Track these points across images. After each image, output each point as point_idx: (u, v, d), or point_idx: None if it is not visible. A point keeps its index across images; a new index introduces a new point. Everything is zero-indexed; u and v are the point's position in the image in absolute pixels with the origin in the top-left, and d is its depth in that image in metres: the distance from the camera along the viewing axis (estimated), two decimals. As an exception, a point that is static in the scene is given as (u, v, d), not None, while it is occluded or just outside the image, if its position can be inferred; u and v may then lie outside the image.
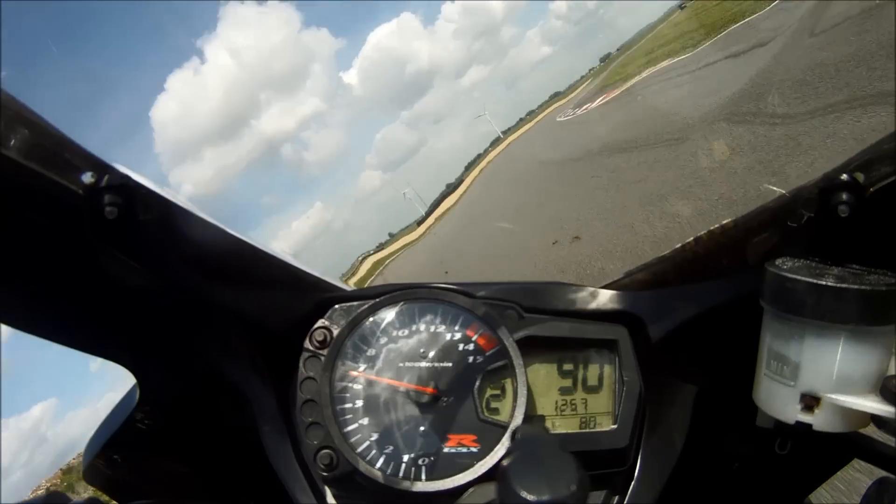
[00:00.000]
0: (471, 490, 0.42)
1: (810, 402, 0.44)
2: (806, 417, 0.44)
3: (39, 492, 0.54)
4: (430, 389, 0.58)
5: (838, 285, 0.42)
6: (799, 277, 0.43)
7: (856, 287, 0.41)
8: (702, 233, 0.57)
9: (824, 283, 0.42)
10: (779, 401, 0.46)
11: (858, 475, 1.39)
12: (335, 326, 0.60)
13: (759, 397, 0.49)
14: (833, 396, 0.43)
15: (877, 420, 0.43)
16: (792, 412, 0.45)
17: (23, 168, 0.42)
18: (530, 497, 0.29)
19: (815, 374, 0.44)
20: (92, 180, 0.46)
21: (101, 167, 0.46)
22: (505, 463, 0.32)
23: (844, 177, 0.47)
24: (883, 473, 0.46)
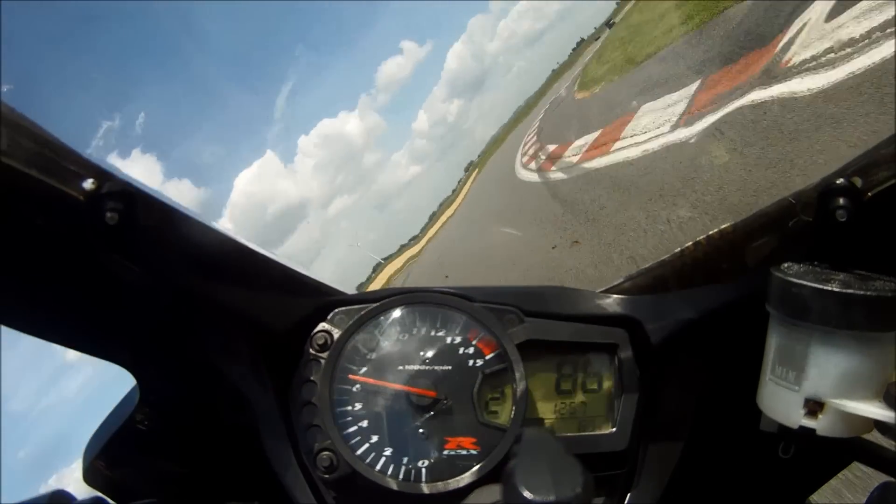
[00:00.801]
0: (475, 491, 0.42)
1: (814, 407, 0.44)
2: (810, 422, 0.44)
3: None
4: (430, 392, 0.58)
5: (844, 291, 0.42)
6: (805, 283, 0.43)
7: (861, 293, 0.41)
8: (701, 237, 0.57)
9: (830, 288, 0.42)
10: (783, 405, 0.46)
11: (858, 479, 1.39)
12: (336, 330, 0.60)
13: (762, 401, 0.49)
14: (837, 402, 0.43)
15: (880, 425, 0.43)
16: (796, 417, 0.45)
17: (24, 176, 0.43)
18: (535, 498, 0.29)
19: (820, 379, 0.44)
20: (93, 187, 0.46)
21: (102, 174, 0.46)
22: (509, 464, 0.32)
23: (842, 181, 0.47)
24: (885, 478, 0.46)
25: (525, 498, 0.29)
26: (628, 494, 0.60)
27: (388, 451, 0.57)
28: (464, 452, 0.57)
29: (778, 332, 0.47)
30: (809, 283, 0.43)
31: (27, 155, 0.43)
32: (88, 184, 0.46)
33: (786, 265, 0.47)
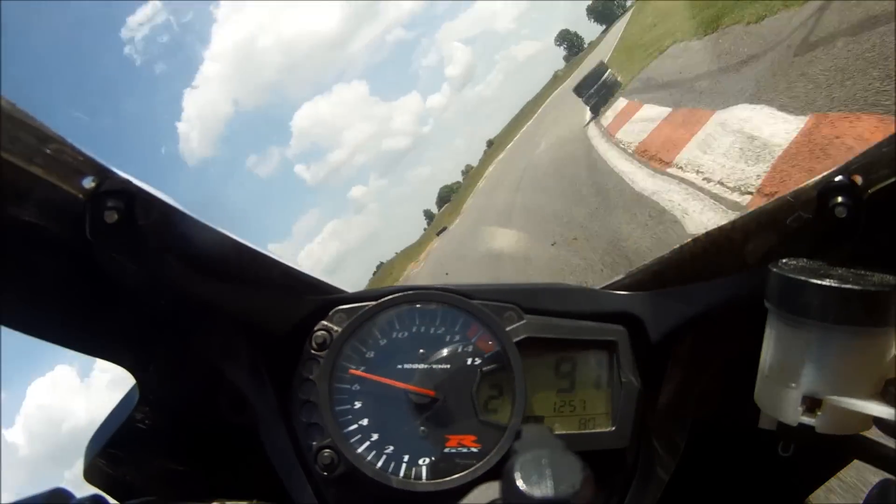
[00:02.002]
0: (475, 489, 0.42)
1: (812, 404, 0.44)
2: (808, 419, 0.44)
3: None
4: (429, 391, 0.58)
5: (842, 286, 0.41)
6: (803, 279, 0.43)
7: (860, 288, 0.41)
8: (700, 234, 0.57)
9: (828, 284, 0.42)
10: (781, 403, 0.46)
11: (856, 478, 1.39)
12: (335, 328, 0.60)
13: (760, 399, 0.49)
14: (835, 399, 0.43)
15: (879, 422, 0.43)
16: (794, 414, 0.45)
17: (24, 172, 0.43)
18: (534, 494, 0.29)
19: (818, 376, 0.44)
20: (93, 185, 0.46)
21: (102, 172, 0.46)
22: (509, 461, 0.32)
23: (842, 179, 0.47)
24: (884, 475, 0.46)
25: (524, 494, 0.29)
26: (628, 493, 0.61)
27: (388, 449, 0.57)
28: (464, 450, 0.57)
29: (775, 328, 0.47)
30: (807, 279, 0.43)
31: (27, 151, 0.43)
32: (88, 182, 0.46)
33: (784, 261, 0.47)
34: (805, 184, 0.49)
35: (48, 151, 0.43)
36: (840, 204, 0.47)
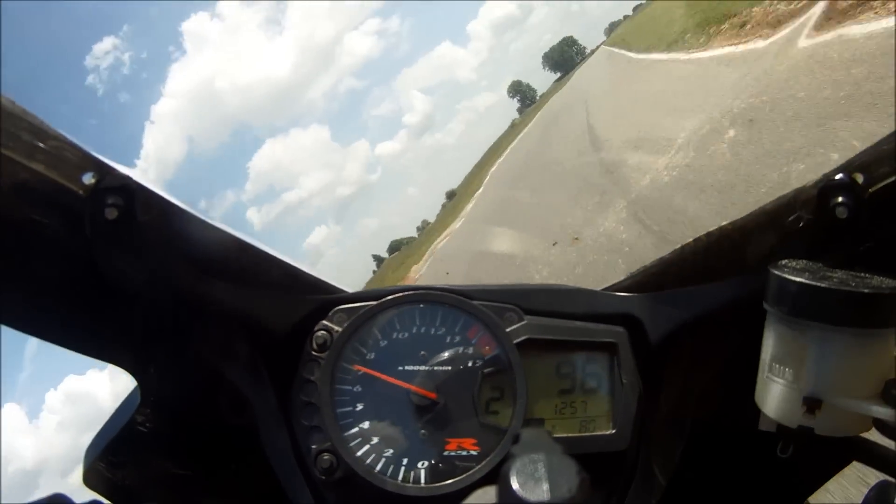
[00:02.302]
0: (473, 493, 0.42)
1: (812, 405, 0.44)
2: (808, 421, 0.44)
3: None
4: (429, 393, 0.58)
5: (842, 288, 0.41)
6: (802, 280, 0.43)
7: (859, 290, 0.41)
8: (701, 235, 0.57)
9: (827, 285, 0.42)
10: (781, 404, 0.46)
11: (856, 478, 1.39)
12: (336, 328, 0.60)
13: (760, 400, 0.49)
14: (835, 400, 0.43)
15: (878, 424, 0.43)
16: (794, 416, 0.45)
17: (23, 168, 0.42)
18: (530, 499, 0.29)
19: (818, 377, 0.44)
20: (93, 181, 0.46)
21: (102, 168, 0.46)
22: (505, 465, 0.32)
23: (843, 178, 0.47)
24: (882, 477, 0.46)
25: (520, 498, 0.29)
26: (628, 494, 0.61)
27: (388, 453, 0.57)
28: (464, 453, 0.57)
29: (775, 329, 0.47)
30: (807, 281, 0.43)
31: (27, 147, 0.42)
32: (88, 178, 0.46)
33: (783, 262, 0.47)
34: (805, 183, 0.49)
35: (47, 147, 0.43)
36: (840, 203, 0.47)
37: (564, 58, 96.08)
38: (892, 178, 0.45)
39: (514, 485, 0.30)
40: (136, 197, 0.47)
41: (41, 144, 0.43)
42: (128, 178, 0.47)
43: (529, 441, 0.40)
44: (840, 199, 0.47)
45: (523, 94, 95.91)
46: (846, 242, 0.48)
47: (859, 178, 0.47)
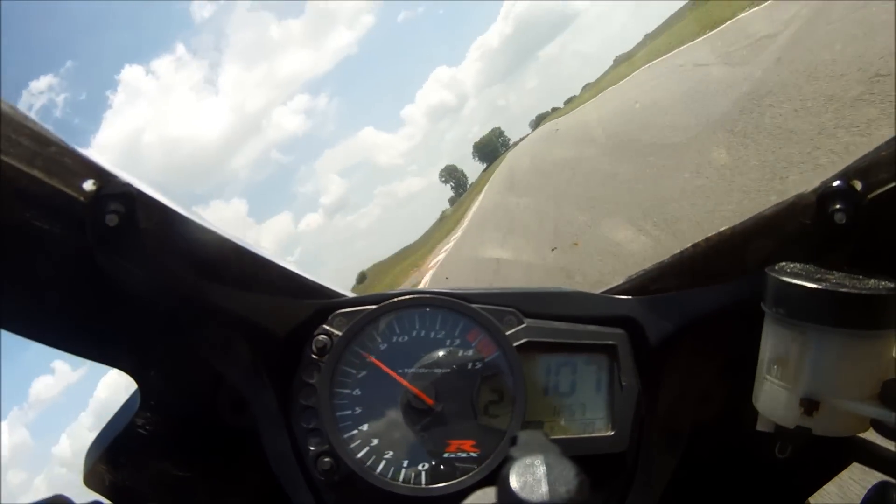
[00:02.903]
0: (472, 495, 0.42)
1: (810, 406, 0.44)
2: (806, 422, 0.44)
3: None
4: (429, 398, 0.58)
5: (838, 290, 0.42)
6: (800, 282, 0.44)
7: (856, 291, 0.42)
8: (700, 240, 0.57)
9: (824, 287, 0.42)
10: (779, 405, 0.46)
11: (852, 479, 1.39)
12: (336, 332, 0.60)
13: (759, 401, 0.49)
14: (833, 400, 0.43)
15: (876, 424, 0.44)
16: (792, 416, 0.45)
17: (25, 175, 0.43)
18: (529, 500, 0.29)
19: (816, 378, 0.44)
20: (93, 188, 0.46)
21: (103, 175, 0.46)
22: (504, 467, 0.32)
23: (842, 184, 0.47)
24: (881, 477, 0.46)
25: (520, 499, 0.29)
26: (627, 496, 0.60)
27: (388, 455, 0.57)
28: (464, 455, 0.57)
29: (773, 331, 0.47)
30: (804, 283, 0.43)
31: (28, 154, 0.42)
32: (89, 184, 0.46)
33: (781, 265, 0.47)
34: (805, 189, 0.49)
35: (48, 154, 0.43)
36: (839, 210, 0.47)
37: (491, 147, 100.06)
38: (891, 185, 0.46)
39: (514, 486, 0.30)
40: (137, 204, 0.47)
41: (42, 151, 0.43)
42: (129, 186, 0.47)
43: (527, 442, 0.40)
44: (839, 205, 0.47)
45: (457, 180, 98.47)
46: (845, 247, 0.48)
47: (858, 185, 0.47)
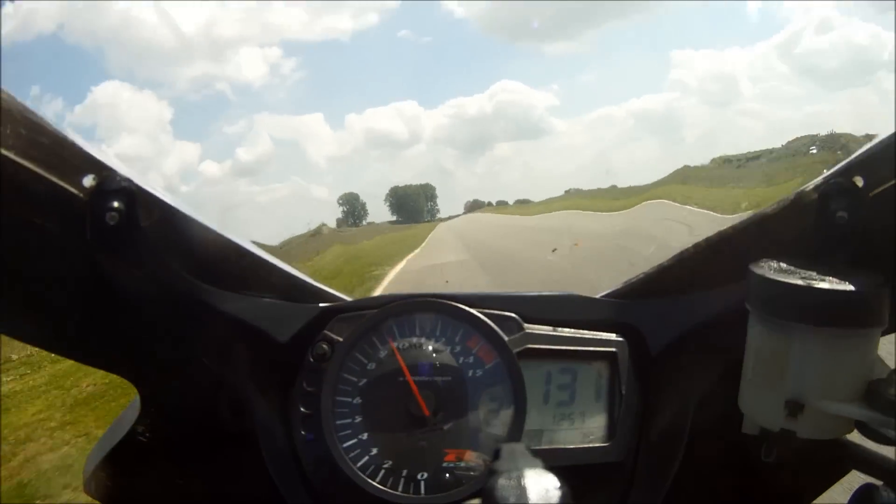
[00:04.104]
0: None
1: (794, 408, 0.43)
2: (790, 424, 0.44)
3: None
4: (429, 406, 0.58)
5: (821, 288, 0.41)
6: (782, 279, 0.43)
7: (839, 289, 0.41)
8: (700, 241, 0.57)
9: (807, 285, 0.41)
10: (763, 407, 0.46)
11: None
12: (337, 339, 0.60)
13: (743, 403, 0.48)
14: (818, 403, 0.43)
15: (860, 426, 0.43)
16: (776, 419, 0.44)
17: (23, 169, 0.41)
18: None
19: (800, 379, 0.43)
20: (93, 183, 0.45)
21: (103, 170, 0.46)
22: (488, 481, 0.32)
23: (843, 181, 0.47)
24: (867, 479, 0.46)
25: None
26: (627, 502, 0.60)
27: (387, 464, 0.57)
28: (462, 465, 0.57)
29: (757, 331, 0.46)
30: (787, 280, 0.42)
31: (26, 145, 0.41)
32: (89, 180, 0.45)
33: (766, 261, 0.46)
34: (805, 187, 0.49)
35: (47, 147, 0.42)
36: (841, 207, 0.46)
37: (412, 201, 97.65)
38: (893, 182, 0.45)
39: (497, 499, 0.30)
40: (137, 201, 0.46)
41: (40, 142, 0.42)
42: (129, 181, 0.46)
43: (509, 456, 0.40)
44: (841, 203, 0.46)
45: (353, 211, 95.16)
46: (846, 246, 0.47)
47: (859, 182, 0.46)
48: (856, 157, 0.47)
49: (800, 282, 0.42)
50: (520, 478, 0.31)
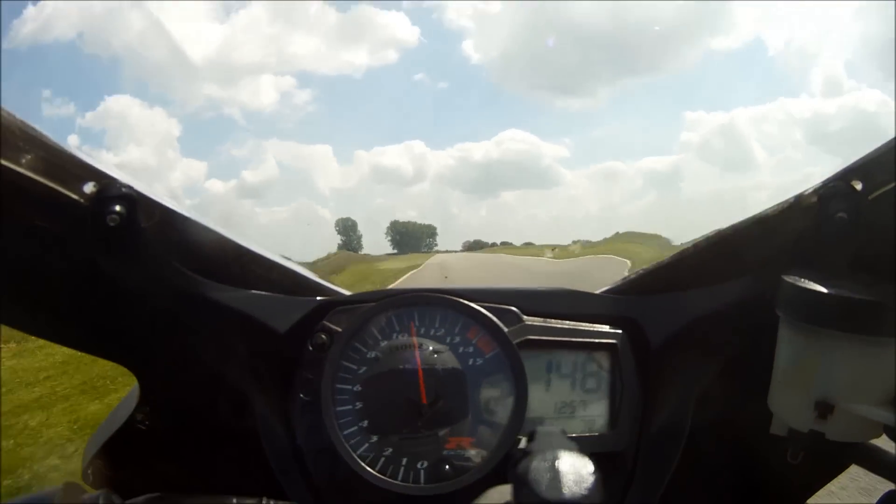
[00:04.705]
0: (486, 492, 0.41)
1: (825, 409, 0.44)
2: (819, 426, 0.44)
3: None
4: (429, 394, 0.57)
5: (854, 296, 0.42)
6: (816, 288, 0.43)
7: (875, 299, 0.41)
8: (700, 240, 0.57)
9: (841, 293, 0.42)
10: (793, 408, 0.46)
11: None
12: (336, 329, 0.59)
13: (773, 404, 0.49)
14: (848, 405, 0.43)
15: (889, 430, 0.43)
16: (806, 420, 0.45)
17: (26, 179, 0.43)
18: (547, 497, 0.28)
19: (830, 382, 0.44)
20: (94, 190, 0.46)
21: (103, 178, 0.47)
22: (521, 463, 0.32)
23: (843, 185, 0.47)
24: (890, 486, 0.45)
25: (537, 496, 0.28)
26: (627, 495, 0.60)
27: (387, 452, 0.57)
28: (463, 453, 0.57)
29: (788, 335, 0.47)
30: (820, 288, 0.43)
31: (29, 159, 0.43)
32: (90, 187, 0.46)
33: (797, 270, 0.47)
34: (804, 191, 0.49)
35: (48, 158, 0.44)
36: (841, 210, 0.47)
37: (412, 239, 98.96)
38: (892, 185, 0.45)
39: (531, 482, 0.29)
40: (137, 205, 0.47)
41: (42, 155, 0.43)
42: (129, 188, 0.47)
43: (545, 439, 0.39)
44: (840, 204, 0.47)
45: (348, 239, 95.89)
46: (846, 247, 0.48)
47: (858, 186, 0.47)
48: (854, 164, 0.47)
49: (833, 290, 0.43)
50: (554, 460, 0.30)
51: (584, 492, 0.29)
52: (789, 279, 0.45)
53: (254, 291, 0.57)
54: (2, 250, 0.47)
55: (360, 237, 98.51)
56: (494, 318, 0.60)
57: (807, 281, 0.45)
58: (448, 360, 0.59)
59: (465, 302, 0.60)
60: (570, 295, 0.65)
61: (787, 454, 0.46)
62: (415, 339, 0.59)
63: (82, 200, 0.46)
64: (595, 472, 0.30)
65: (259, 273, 0.58)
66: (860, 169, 0.47)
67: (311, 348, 0.59)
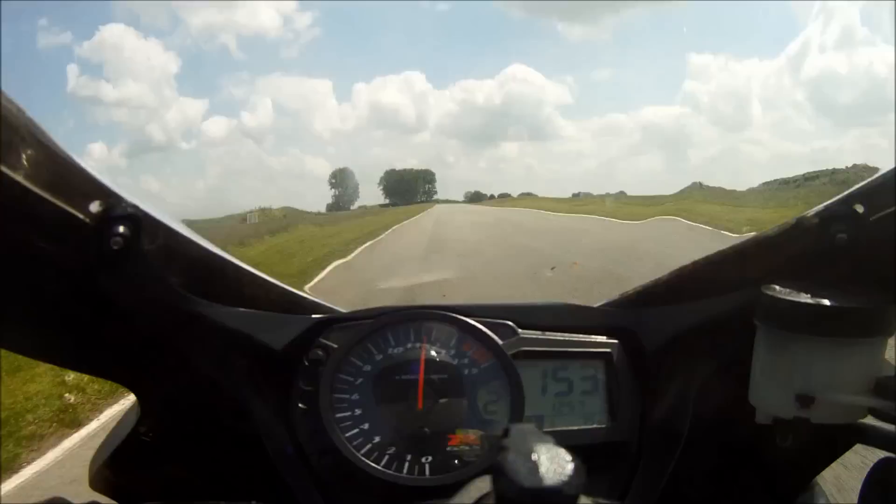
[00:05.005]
0: (466, 486, 0.42)
1: (805, 401, 0.45)
2: (803, 413, 0.45)
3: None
4: (428, 401, 0.58)
5: (826, 303, 0.44)
6: (790, 298, 0.45)
7: (843, 305, 0.44)
8: (699, 259, 0.58)
9: (814, 302, 0.44)
10: (775, 401, 0.48)
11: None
12: (332, 346, 0.61)
13: (754, 398, 0.50)
14: (828, 395, 0.45)
15: (874, 411, 0.45)
16: (789, 409, 0.46)
17: (28, 192, 0.41)
18: (524, 485, 0.29)
19: (808, 379, 0.45)
20: (100, 209, 0.44)
21: (110, 196, 0.45)
22: (499, 455, 0.32)
23: (844, 207, 0.47)
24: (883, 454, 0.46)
25: (515, 486, 0.29)
26: (631, 485, 0.61)
27: (391, 451, 0.58)
28: (467, 448, 0.58)
29: (765, 341, 0.49)
30: (794, 298, 0.45)
31: (32, 167, 0.40)
32: (95, 206, 0.44)
33: (772, 284, 0.48)
34: (805, 213, 0.49)
35: (54, 170, 0.41)
36: (841, 232, 0.47)
37: (408, 187, 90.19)
38: (893, 208, 0.46)
39: (509, 473, 0.30)
40: (142, 227, 0.46)
41: (47, 165, 0.41)
42: (135, 208, 0.46)
43: (520, 433, 0.40)
44: (840, 226, 0.47)
45: (344, 190, 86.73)
46: (843, 264, 0.48)
47: (860, 209, 0.47)
48: (856, 189, 0.48)
49: (805, 299, 0.45)
50: (531, 453, 0.31)
51: (562, 478, 0.29)
52: (766, 291, 0.47)
53: (253, 312, 0.58)
54: None
55: (356, 187, 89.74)
56: (489, 332, 0.61)
57: (782, 291, 0.46)
58: (445, 368, 0.60)
59: (460, 317, 0.62)
60: (565, 308, 0.66)
61: (777, 439, 0.47)
62: (412, 351, 0.61)
63: (87, 220, 0.44)
64: (573, 461, 0.30)
65: (257, 293, 0.59)
66: (862, 194, 0.47)
67: (308, 363, 0.60)
